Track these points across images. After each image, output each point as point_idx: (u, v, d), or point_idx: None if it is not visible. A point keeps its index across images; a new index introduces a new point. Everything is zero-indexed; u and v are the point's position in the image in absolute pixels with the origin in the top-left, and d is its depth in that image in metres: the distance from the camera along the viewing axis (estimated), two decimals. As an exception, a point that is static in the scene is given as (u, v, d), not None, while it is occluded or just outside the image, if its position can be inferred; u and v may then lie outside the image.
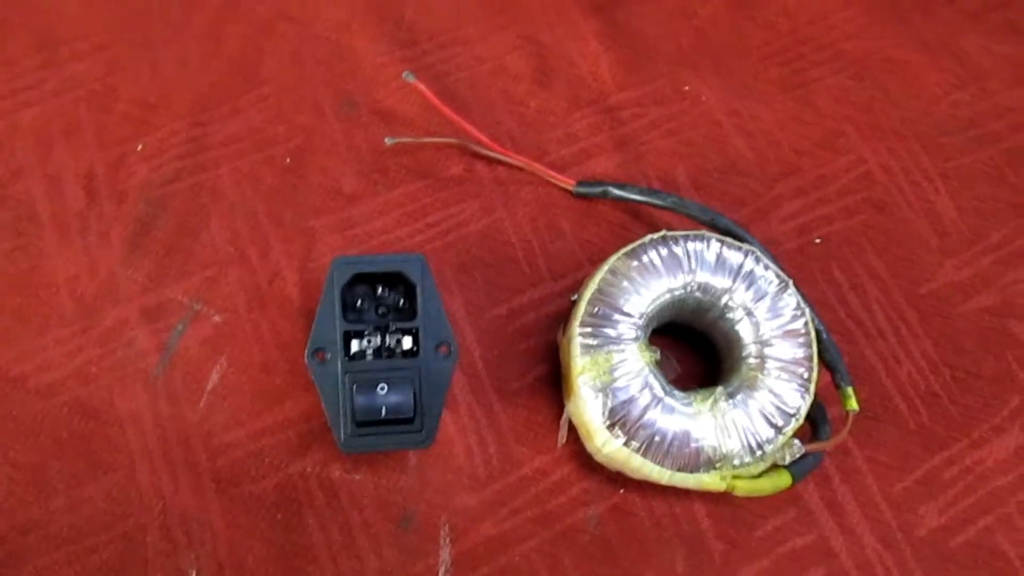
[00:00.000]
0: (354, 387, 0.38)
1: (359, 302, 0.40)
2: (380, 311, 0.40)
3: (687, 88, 0.55)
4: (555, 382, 0.45)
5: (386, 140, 0.50)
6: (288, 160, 0.51)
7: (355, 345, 0.39)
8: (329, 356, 0.39)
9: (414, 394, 0.38)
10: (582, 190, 0.50)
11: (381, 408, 0.38)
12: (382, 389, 0.38)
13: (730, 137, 0.54)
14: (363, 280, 0.40)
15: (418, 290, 0.39)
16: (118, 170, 0.49)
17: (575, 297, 0.47)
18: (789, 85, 0.56)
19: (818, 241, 0.51)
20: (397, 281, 0.40)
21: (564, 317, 0.47)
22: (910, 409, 0.47)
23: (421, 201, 0.50)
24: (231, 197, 0.49)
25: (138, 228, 0.48)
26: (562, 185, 0.51)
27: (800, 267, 0.50)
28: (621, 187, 0.49)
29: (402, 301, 0.40)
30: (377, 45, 0.55)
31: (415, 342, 0.39)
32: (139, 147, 0.50)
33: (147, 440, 0.43)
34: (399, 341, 0.39)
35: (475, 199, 0.50)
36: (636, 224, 0.50)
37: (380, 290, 0.40)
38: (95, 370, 0.44)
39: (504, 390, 0.46)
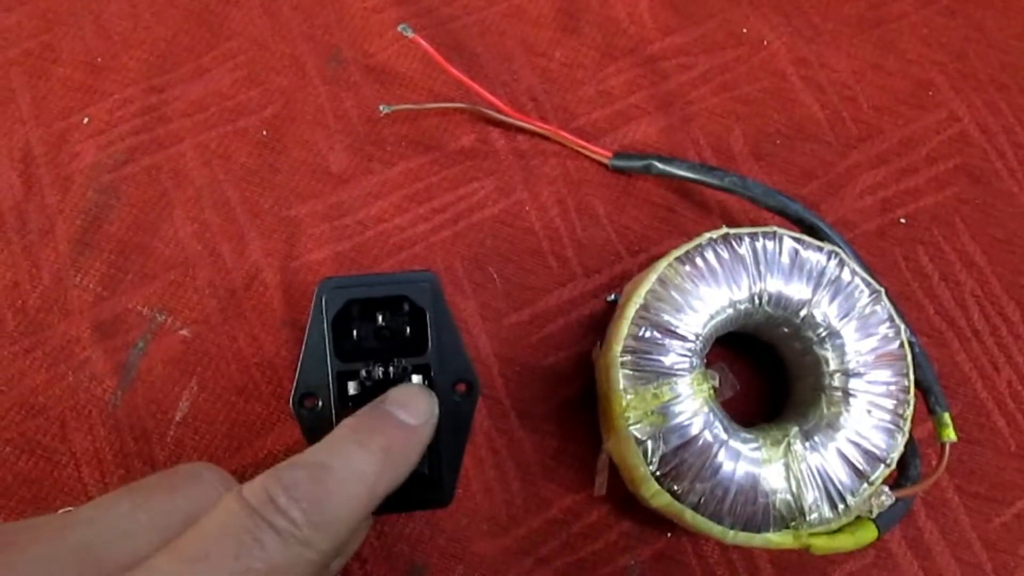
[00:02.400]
0: None
1: (355, 331, 0.32)
2: (380, 341, 0.32)
3: (745, 31, 0.46)
4: (589, 403, 0.38)
5: (380, 108, 0.41)
6: (264, 132, 0.42)
7: (352, 387, 0.31)
8: (320, 402, 0.31)
9: (428, 444, 0.31)
10: (620, 164, 0.41)
11: None
12: None
13: (797, 92, 0.44)
14: (359, 304, 0.32)
15: (428, 317, 0.31)
16: (60, 150, 0.41)
17: (612, 297, 0.39)
18: (866, 24, 0.46)
19: (903, 221, 0.42)
20: (401, 304, 0.32)
21: (598, 322, 0.40)
22: (1010, 427, 0.39)
23: (425, 180, 0.42)
24: (197, 180, 0.41)
25: (87, 222, 0.40)
26: (596, 157, 0.42)
27: (881, 254, 0.42)
28: (668, 161, 0.40)
29: (408, 329, 0.32)
30: (368, -16, 0.45)
31: (426, 380, 0.32)
32: (84, 120, 0.42)
33: (107, 483, 0.36)
34: (406, 379, 0.32)
35: (490, 177, 0.42)
36: (684, 204, 0.42)
37: (380, 317, 0.32)
38: (42, 399, 0.37)
39: (528, 414, 0.38)
